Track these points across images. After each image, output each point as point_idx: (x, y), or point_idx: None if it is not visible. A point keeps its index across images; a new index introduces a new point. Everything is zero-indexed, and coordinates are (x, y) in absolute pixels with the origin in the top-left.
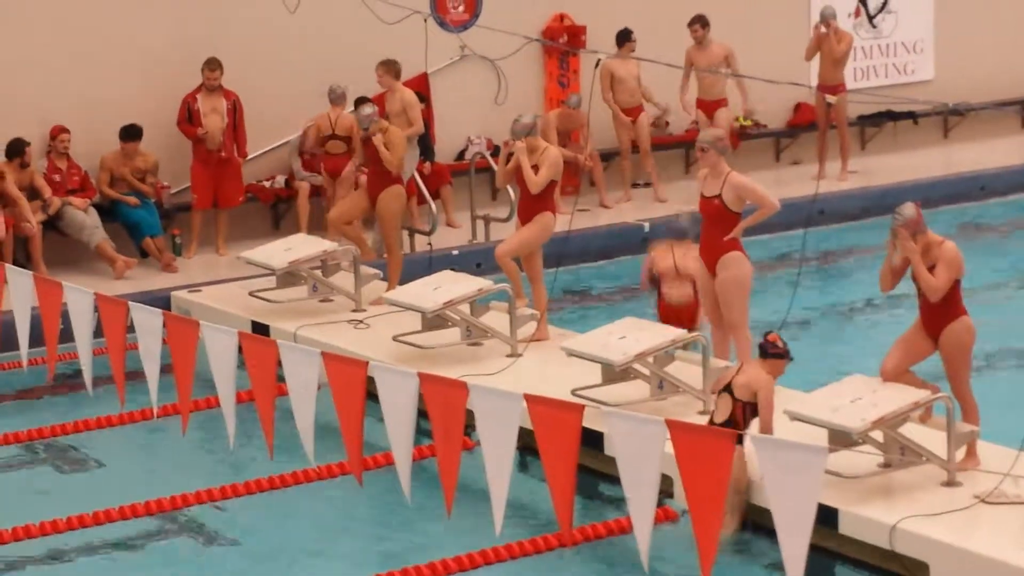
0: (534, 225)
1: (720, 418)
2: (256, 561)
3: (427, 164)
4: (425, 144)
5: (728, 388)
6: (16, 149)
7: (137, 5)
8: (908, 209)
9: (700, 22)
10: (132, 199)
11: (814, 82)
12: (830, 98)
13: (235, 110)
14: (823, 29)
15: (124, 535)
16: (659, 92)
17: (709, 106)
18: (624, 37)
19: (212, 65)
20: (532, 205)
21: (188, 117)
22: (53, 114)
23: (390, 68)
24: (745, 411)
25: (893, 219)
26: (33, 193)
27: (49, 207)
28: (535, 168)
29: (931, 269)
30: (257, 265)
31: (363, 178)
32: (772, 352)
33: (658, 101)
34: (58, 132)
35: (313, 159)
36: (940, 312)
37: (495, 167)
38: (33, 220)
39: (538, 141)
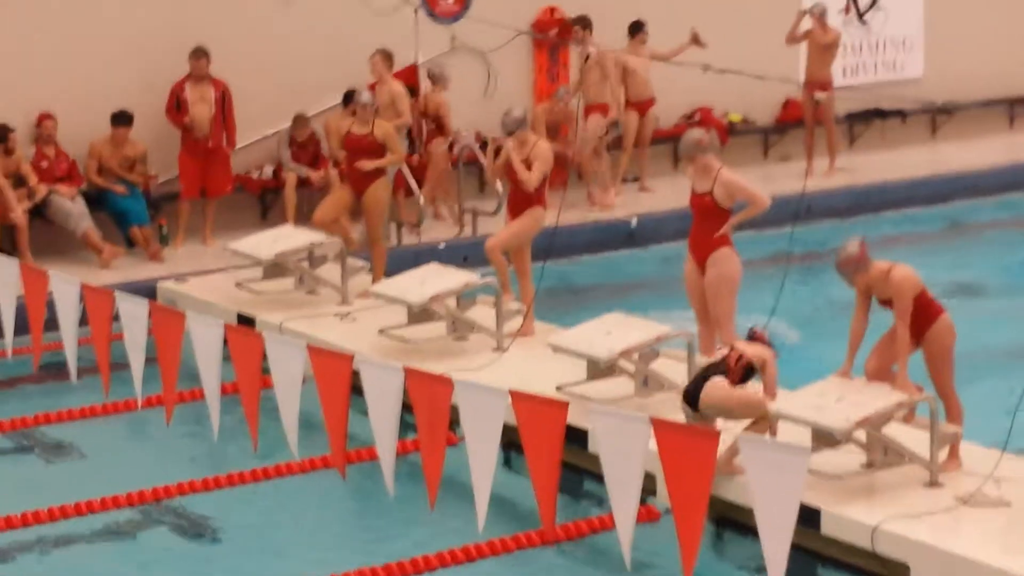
0: (525, 219)
1: (716, 358)
2: (239, 553)
3: (415, 157)
4: (411, 140)
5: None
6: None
7: None
8: (852, 246)
9: (582, 23)
10: (120, 187)
11: (803, 79)
12: (819, 95)
13: (224, 99)
14: (810, 24)
15: (107, 525)
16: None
17: (587, 110)
18: (636, 29)
19: (198, 54)
20: (523, 199)
21: (176, 106)
22: (41, 102)
23: (388, 57)
24: (740, 361)
25: (836, 255)
26: (19, 180)
27: (35, 195)
28: (526, 163)
29: (888, 302)
30: (244, 256)
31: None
32: None
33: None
34: (42, 119)
35: (302, 151)
36: (918, 317)
37: (483, 160)
38: (18, 209)
39: (528, 135)
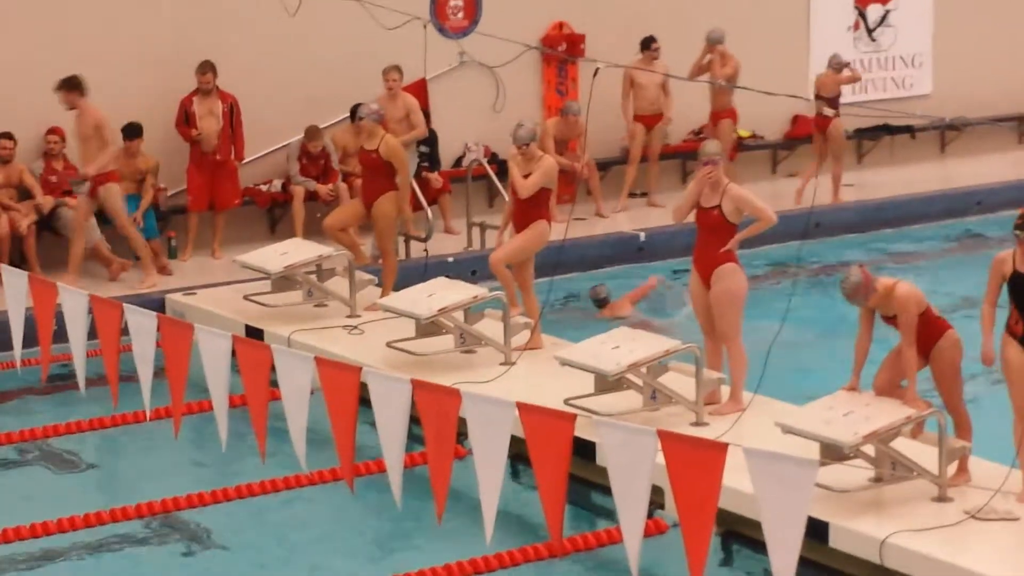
0: (528, 232)
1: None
2: (246, 566)
3: (435, 175)
4: (433, 156)
5: None
6: None
7: (137, 7)
8: (854, 275)
9: (67, 85)
10: (136, 217)
11: (812, 94)
12: (827, 111)
13: (232, 113)
14: (709, 55)
15: (115, 537)
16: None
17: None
18: (646, 44)
19: (204, 68)
20: (527, 213)
21: (185, 120)
22: (51, 115)
23: (399, 72)
24: None
25: (842, 288)
26: (25, 193)
27: (42, 208)
28: (527, 177)
29: (892, 319)
30: (252, 269)
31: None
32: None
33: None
34: (46, 133)
35: (312, 163)
36: (924, 333)
37: (492, 175)
38: (22, 221)
39: (535, 150)
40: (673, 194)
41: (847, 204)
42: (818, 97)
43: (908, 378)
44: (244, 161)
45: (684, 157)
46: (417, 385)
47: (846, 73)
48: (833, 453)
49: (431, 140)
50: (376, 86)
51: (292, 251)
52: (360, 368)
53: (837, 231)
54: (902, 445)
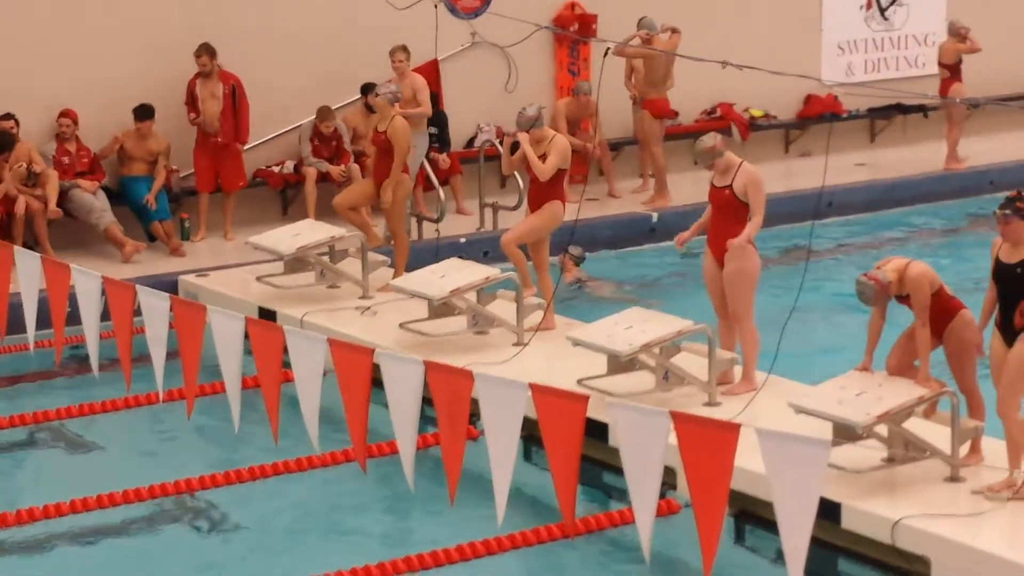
0: (542, 213)
1: None
2: (259, 546)
3: (443, 156)
4: (443, 137)
5: None
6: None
7: None
8: (866, 288)
9: (206, 52)
10: (149, 199)
11: (824, 75)
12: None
13: (234, 95)
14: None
15: (128, 519)
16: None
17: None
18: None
19: (199, 51)
20: (541, 193)
21: (191, 102)
22: (63, 97)
23: (409, 53)
24: None
25: (860, 300)
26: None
27: (44, 184)
28: (542, 157)
29: (905, 299)
30: (264, 250)
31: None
32: None
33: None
34: (58, 116)
35: (324, 144)
36: (937, 313)
37: (504, 155)
38: (22, 200)
39: (545, 131)
40: (686, 174)
41: (858, 183)
42: (941, 65)
43: (921, 358)
44: (254, 143)
45: (696, 137)
46: (430, 366)
47: (964, 44)
48: (846, 433)
49: (440, 122)
50: (388, 67)
51: (305, 232)
52: (373, 349)
53: (849, 210)
54: (915, 425)
